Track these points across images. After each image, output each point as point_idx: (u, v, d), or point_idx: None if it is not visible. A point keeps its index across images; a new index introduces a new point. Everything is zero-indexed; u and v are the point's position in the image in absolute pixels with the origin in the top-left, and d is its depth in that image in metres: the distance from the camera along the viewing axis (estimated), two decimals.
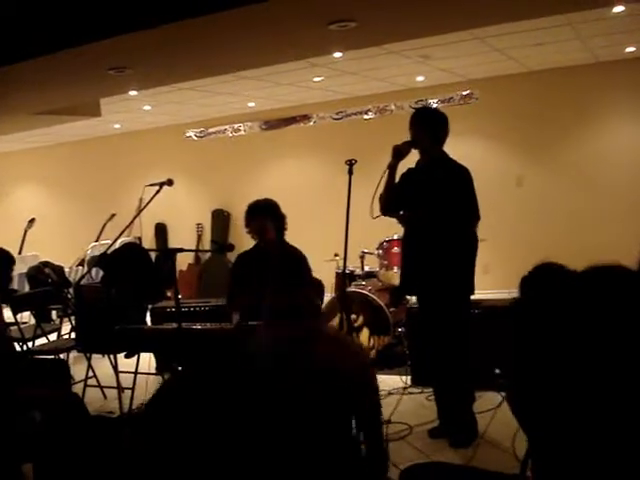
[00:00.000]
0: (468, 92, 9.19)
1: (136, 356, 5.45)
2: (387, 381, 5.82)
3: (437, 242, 4.20)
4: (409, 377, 5.73)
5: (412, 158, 4.52)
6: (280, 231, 4.83)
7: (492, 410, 4.72)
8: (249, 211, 4.85)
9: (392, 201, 4.44)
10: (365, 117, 10.03)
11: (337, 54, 6.22)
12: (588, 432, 1.46)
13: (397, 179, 4.48)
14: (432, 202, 4.22)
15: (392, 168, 4.42)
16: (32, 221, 10.43)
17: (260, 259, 4.79)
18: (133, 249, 6.12)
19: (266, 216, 4.77)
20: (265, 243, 4.78)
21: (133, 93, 7.10)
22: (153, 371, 5.94)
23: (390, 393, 5.50)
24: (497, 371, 4.82)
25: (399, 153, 4.40)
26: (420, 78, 8.83)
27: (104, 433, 3.16)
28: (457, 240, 4.23)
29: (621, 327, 1.42)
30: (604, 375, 1.43)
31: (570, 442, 1.53)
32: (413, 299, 6.66)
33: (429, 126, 4.37)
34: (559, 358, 1.46)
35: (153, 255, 6.51)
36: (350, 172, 4.24)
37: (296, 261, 4.79)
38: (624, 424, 1.42)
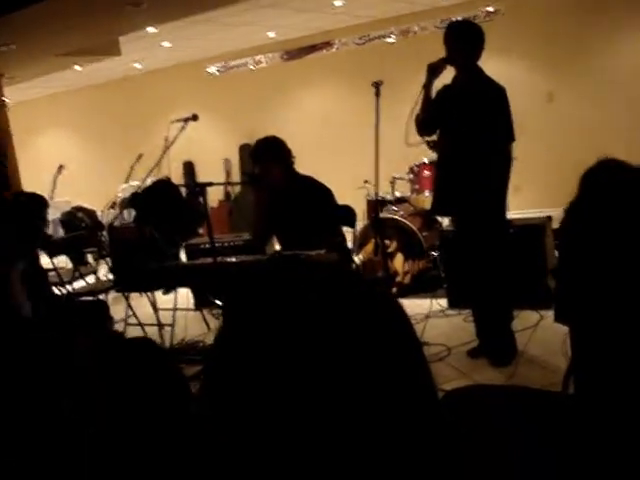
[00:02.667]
0: (494, 9, 8.92)
1: (174, 292, 5.51)
2: (424, 305, 5.82)
3: (472, 161, 4.13)
4: (445, 300, 5.73)
5: (448, 75, 4.39)
6: (287, 167, 4.78)
7: (530, 328, 4.71)
8: (250, 157, 4.84)
9: (430, 120, 4.35)
10: (388, 40, 9.81)
11: None
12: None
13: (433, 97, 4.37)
14: (468, 121, 4.12)
15: (427, 87, 4.31)
16: (61, 168, 10.47)
17: (276, 197, 4.81)
18: (164, 186, 6.12)
19: (267, 160, 4.73)
20: (271, 186, 4.76)
21: (151, 30, 7.00)
22: (192, 307, 6.01)
23: (427, 316, 5.51)
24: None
25: (434, 70, 4.27)
26: None
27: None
28: (492, 160, 4.15)
29: None
30: None
31: (619, 355, 1.50)
32: (445, 222, 6.62)
33: (465, 40, 4.21)
34: (622, 259, 1.42)
35: (183, 192, 6.52)
36: (377, 94, 4.16)
37: (313, 191, 4.79)
38: None
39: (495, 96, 4.18)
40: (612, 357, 1.68)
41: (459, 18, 9.09)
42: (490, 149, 4.13)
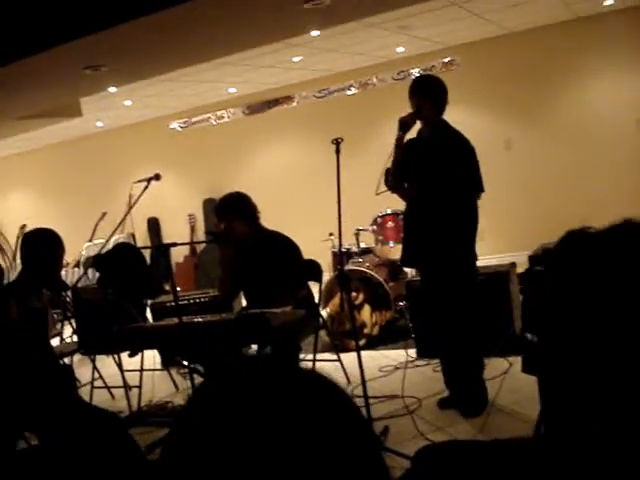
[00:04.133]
0: (449, 59, 9.13)
1: (140, 354, 5.43)
2: (392, 355, 5.83)
3: (441, 213, 4.17)
4: (414, 350, 5.73)
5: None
6: (252, 222, 4.81)
7: (499, 377, 4.72)
8: (215, 214, 4.87)
9: (397, 174, 4.41)
10: (348, 93, 9.97)
11: (314, 32, 6.16)
12: (611, 400, 1.44)
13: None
14: (437, 173, 4.17)
15: (399, 141, 4.35)
16: (23, 227, 10.35)
17: (241, 252, 4.82)
18: (126, 249, 6.09)
19: (232, 216, 4.76)
20: (236, 242, 4.78)
21: (112, 90, 7.03)
22: (159, 367, 5.93)
23: (396, 367, 5.50)
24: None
25: (405, 125, 4.33)
26: (400, 49, 8.77)
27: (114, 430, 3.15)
28: (460, 211, 4.21)
29: None
30: None
31: (590, 405, 1.51)
32: (412, 272, 6.65)
33: (431, 94, 4.30)
34: (596, 319, 1.43)
35: (148, 251, 6.48)
36: (337, 151, 4.19)
37: (279, 246, 4.80)
38: None
39: (460, 148, 4.25)
40: (583, 407, 1.68)
41: (416, 69, 9.29)
42: (457, 201, 4.19)
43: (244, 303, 5.37)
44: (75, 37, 3.79)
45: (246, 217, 4.79)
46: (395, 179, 4.44)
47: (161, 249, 4.47)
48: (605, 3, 7.72)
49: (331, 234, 6.74)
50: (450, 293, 4.25)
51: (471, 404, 4.32)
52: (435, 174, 4.17)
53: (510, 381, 4.57)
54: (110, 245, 6.48)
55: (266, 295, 4.59)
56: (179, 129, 11.39)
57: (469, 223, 4.28)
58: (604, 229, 1.69)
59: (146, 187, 5.04)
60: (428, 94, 4.30)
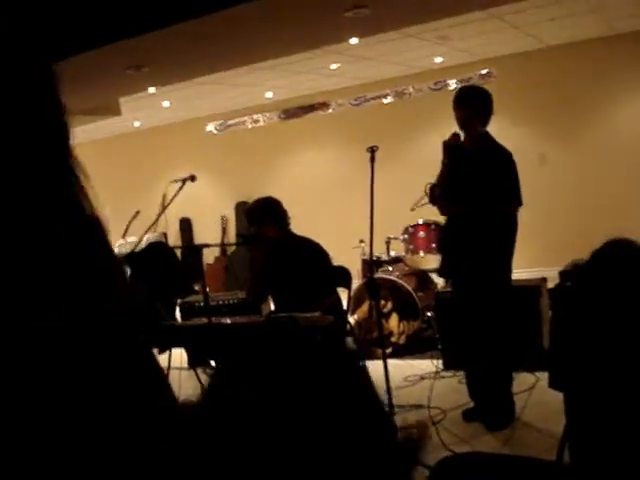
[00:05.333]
0: (487, 71, 9.11)
1: (168, 351, 5.48)
2: (418, 366, 5.81)
3: (482, 226, 4.15)
4: (440, 361, 5.71)
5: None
6: (283, 227, 4.84)
7: (526, 391, 4.70)
8: (246, 217, 4.91)
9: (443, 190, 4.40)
10: (384, 101, 9.98)
11: (353, 40, 6.19)
12: (633, 420, 1.45)
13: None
14: (475, 184, 4.16)
15: (446, 166, 4.33)
16: None
17: (270, 256, 4.86)
18: (159, 249, 6.16)
19: (262, 219, 4.80)
20: (266, 247, 4.83)
21: (152, 90, 7.13)
22: (185, 366, 5.98)
23: (422, 378, 5.49)
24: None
25: (449, 148, 4.31)
26: (438, 59, 8.77)
27: None
28: (500, 225, 4.19)
29: None
30: None
31: (613, 426, 1.51)
32: (441, 282, 6.65)
33: (477, 106, 4.26)
34: (624, 338, 1.44)
35: (179, 251, 6.54)
36: (372, 159, 4.21)
37: (309, 252, 4.84)
38: None
39: (502, 161, 4.23)
40: (607, 426, 1.68)
41: (453, 80, 9.28)
42: (496, 214, 4.17)
43: (272, 307, 5.41)
44: (121, 38, 3.87)
45: (277, 222, 4.83)
46: (440, 198, 4.43)
47: (193, 250, 4.52)
48: None
49: (362, 241, 6.75)
50: (484, 305, 4.23)
51: (498, 417, 4.30)
52: (474, 186, 4.16)
53: (536, 396, 4.55)
54: (143, 244, 6.55)
55: (294, 300, 4.62)
56: (215, 131, 11.49)
57: (508, 236, 4.26)
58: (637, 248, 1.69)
59: (181, 187, 5.09)
60: (474, 105, 4.26)
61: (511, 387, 4.40)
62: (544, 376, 4.77)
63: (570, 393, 2.37)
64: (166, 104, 9.47)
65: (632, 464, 1.61)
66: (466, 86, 4.89)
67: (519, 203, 4.28)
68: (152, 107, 9.56)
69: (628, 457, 1.61)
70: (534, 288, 5.47)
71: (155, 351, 5.61)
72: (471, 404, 4.54)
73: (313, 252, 4.87)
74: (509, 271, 4.34)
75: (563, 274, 5.35)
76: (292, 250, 4.86)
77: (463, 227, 4.27)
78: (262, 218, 4.82)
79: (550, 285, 5.58)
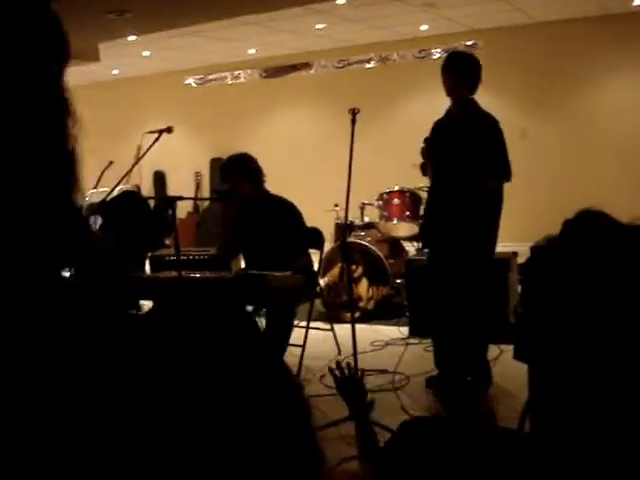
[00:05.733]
0: (472, 42, 9.06)
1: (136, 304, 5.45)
2: (385, 332, 5.86)
3: (465, 198, 4.12)
4: (407, 328, 5.75)
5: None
6: (257, 184, 4.81)
7: (490, 362, 4.74)
8: (220, 172, 4.87)
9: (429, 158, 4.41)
10: (367, 66, 9.90)
11: (341, 0, 6.11)
12: (602, 392, 1.46)
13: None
14: (462, 154, 4.13)
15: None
16: None
17: (243, 212, 4.84)
18: (132, 197, 6.08)
19: (236, 175, 4.76)
20: (239, 203, 4.80)
21: (132, 38, 6.99)
22: None
23: (388, 344, 5.53)
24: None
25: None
26: (424, 27, 8.70)
27: None
28: (485, 196, 4.18)
29: None
30: (633, 336, 1.41)
31: (576, 398, 1.53)
32: (412, 251, 6.67)
33: (466, 73, 4.21)
34: (591, 310, 1.44)
35: (152, 203, 6.48)
36: (353, 121, 4.16)
37: (283, 211, 4.82)
38: None
39: (488, 127, 4.20)
40: (570, 398, 1.70)
41: (438, 49, 9.22)
42: (484, 187, 4.16)
43: (243, 265, 5.39)
44: None
45: (251, 178, 4.79)
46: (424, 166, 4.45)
47: (166, 201, 4.47)
48: (635, 3, 7.65)
49: (336, 205, 6.74)
50: (462, 275, 4.22)
51: (480, 380, 4.35)
52: (460, 155, 4.13)
53: (500, 368, 4.60)
54: (115, 194, 6.46)
55: (266, 258, 4.60)
56: (194, 85, 11.33)
57: (494, 207, 4.24)
58: (612, 224, 1.69)
59: (157, 139, 5.02)
60: (463, 72, 4.21)
61: (487, 354, 4.43)
62: (508, 349, 4.86)
63: (534, 365, 2.40)
64: (146, 54, 9.31)
65: (592, 435, 1.62)
66: (455, 52, 4.83)
67: (507, 178, 4.26)
68: (132, 56, 9.38)
69: (588, 427, 1.63)
70: (504, 262, 5.50)
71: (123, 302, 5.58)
72: (435, 372, 4.58)
73: (287, 211, 4.84)
74: (493, 244, 4.33)
75: (534, 249, 5.38)
76: (266, 208, 4.83)
77: (447, 195, 4.25)
78: (236, 174, 4.78)
79: (521, 260, 5.62)
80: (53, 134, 0.90)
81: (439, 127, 4.38)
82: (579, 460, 1.59)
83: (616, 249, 1.46)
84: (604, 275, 1.57)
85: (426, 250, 4.86)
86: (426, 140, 4.41)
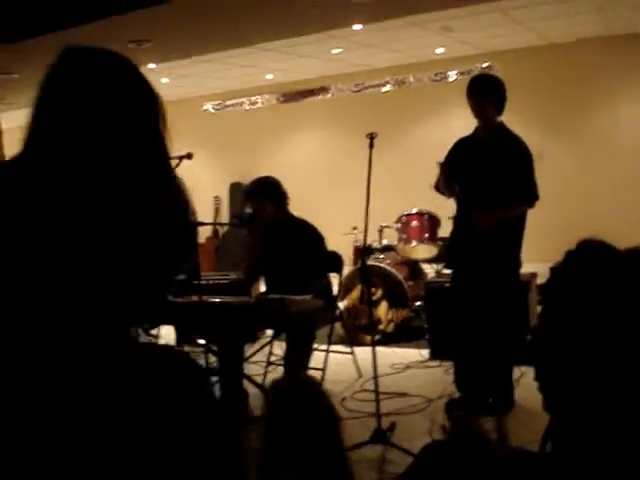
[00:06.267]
0: (487, 64, 9.10)
1: (157, 329, 5.48)
2: (404, 354, 5.84)
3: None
4: (427, 351, 5.74)
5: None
6: (281, 207, 4.84)
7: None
8: (245, 194, 4.89)
9: (447, 179, 4.37)
10: (383, 89, 9.96)
11: (357, 26, 6.17)
12: (615, 417, 1.46)
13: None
14: (497, 178, 4.12)
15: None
16: None
17: (265, 234, 4.85)
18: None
19: (261, 198, 4.79)
20: (263, 225, 4.82)
21: (151, 66, 7.09)
22: (173, 343, 5.98)
23: (408, 367, 5.52)
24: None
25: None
26: (440, 50, 8.75)
27: None
28: (513, 219, 4.17)
29: None
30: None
31: (598, 420, 1.53)
32: (431, 273, 6.67)
33: (493, 94, 4.22)
34: (596, 339, 1.45)
35: None
36: (371, 145, 4.18)
37: (305, 234, 4.84)
38: None
39: (521, 154, 4.21)
40: (591, 421, 1.70)
41: (455, 72, 9.27)
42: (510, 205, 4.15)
43: (263, 288, 5.40)
44: (125, 11, 3.84)
45: (276, 201, 4.82)
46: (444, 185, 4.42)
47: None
48: None
49: (355, 228, 6.76)
50: (491, 296, 4.20)
51: (500, 403, 4.32)
52: (489, 178, 4.12)
53: (521, 391, 4.57)
54: None
55: (286, 281, 4.62)
56: (212, 110, 11.44)
57: (519, 230, 4.25)
58: (618, 251, 1.70)
59: (177, 165, 5.07)
60: (489, 94, 4.22)
61: (511, 376, 4.40)
62: (529, 370, 4.82)
63: (554, 388, 2.39)
64: (165, 80, 9.43)
65: (612, 456, 1.62)
66: (480, 74, 4.84)
67: (536, 199, 4.25)
68: (151, 83, 9.50)
69: (610, 451, 1.63)
70: (524, 283, 5.48)
71: (145, 327, 5.62)
72: (455, 394, 4.55)
73: (308, 234, 4.87)
74: (519, 264, 4.32)
75: (553, 270, 5.36)
76: (288, 230, 4.85)
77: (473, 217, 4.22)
78: (261, 196, 4.80)
79: (541, 281, 5.59)
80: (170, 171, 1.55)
81: (466, 147, 4.37)
82: None
83: (616, 278, 1.47)
84: (607, 301, 1.58)
85: (448, 271, 4.83)
86: (449, 157, 4.40)
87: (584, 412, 1.68)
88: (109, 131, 1.49)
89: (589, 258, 1.51)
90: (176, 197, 1.55)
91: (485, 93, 4.22)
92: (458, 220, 4.50)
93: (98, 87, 1.53)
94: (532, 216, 4.52)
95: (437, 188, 4.52)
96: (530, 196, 4.24)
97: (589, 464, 1.72)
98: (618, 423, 1.54)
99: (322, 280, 4.93)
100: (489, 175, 4.15)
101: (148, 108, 1.50)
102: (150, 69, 7.62)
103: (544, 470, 1.98)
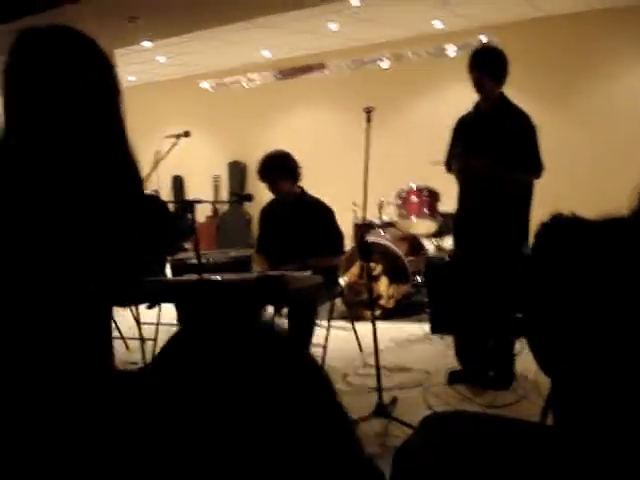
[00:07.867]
0: (486, 38, 9.03)
1: (158, 307, 5.49)
2: (405, 329, 5.87)
3: (505, 194, 4.11)
4: (427, 325, 5.76)
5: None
6: (296, 181, 4.82)
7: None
8: (259, 171, 4.83)
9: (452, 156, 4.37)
10: (381, 65, 9.90)
11: (354, 1, 6.12)
12: (610, 377, 1.47)
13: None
14: (502, 151, 4.09)
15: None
16: None
17: (283, 210, 4.82)
18: (152, 201, 6.13)
19: (277, 175, 4.74)
20: (281, 197, 4.79)
21: (147, 44, 7.04)
22: (175, 322, 6.00)
23: (409, 341, 5.54)
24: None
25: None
26: (437, 24, 8.69)
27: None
28: (522, 191, 4.16)
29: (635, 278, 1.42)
30: (621, 323, 1.42)
31: (592, 387, 1.54)
32: (431, 249, 6.67)
33: (494, 67, 4.20)
34: (576, 306, 1.46)
35: (171, 207, 6.51)
36: (368, 120, 4.16)
37: (320, 212, 4.82)
38: None
39: (527, 125, 4.18)
40: (591, 391, 1.71)
41: (453, 46, 9.20)
42: (521, 181, 4.14)
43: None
44: None
45: (291, 176, 4.78)
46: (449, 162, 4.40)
47: (187, 205, 4.50)
48: None
49: (354, 203, 6.74)
50: (496, 269, 4.18)
51: (503, 376, 4.33)
52: (492, 151, 4.10)
53: (522, 362, 4.59)
54: None
55: (298, 256, 4.58)
56: (209, 89, 11.38)
57: (527, 201, 4.23)
58: (591, 220, 1.71)
59: (175, 143, 5.05)
60: (491, 67, 4.19)
61: (513, 349, 4.40)
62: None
63: (552, 359, 2.39)
64: (161, 59, 9.37)
65: (613, 425, 1.63)
66: (480, 48, 4.81)
67: (543, 169, 4.22)
68: (147, 62, 9.45)
69: (609, 419, 1.63)
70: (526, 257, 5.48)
71: (145, 306, 5.63)
72: (456, 368, 4.57)
73: (322, 212, 4.85)
74: (527, 237, 4.31)
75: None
76: (303, 209, 4.83)
77: (483, 193, 4.22)
78: (277, 172, 4.75)
79: None
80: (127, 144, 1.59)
81: (469, 122, 4.34)
82: (601, 453, 1.59)
83: (589, 247, 1.49)
84: (580, 268, 1.59)
85: (450, 244, 4.81)
86: (455, 135, 4.37)
87: (576, 377, 1.69)
88: (60, 109, 1.55)
89: (561, 226, 1.52)
90: (129, 173, 1.62)
91: (486, 66, 4.20)
92: (464, 195, 4.46)
93: (48, 67, 1.57)
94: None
95: (448, 168, 4.48)
96: (536, 166, 4.21)
97: (588, 431, 1.73)
98: (609, 386, 1.54)
99: (339, 256, 4.92)
100: (495, 147, 4.12)
101: (102, 83, 1.57)
102: (146, 48, 7.57)
103: (544, 440, 1.99)
